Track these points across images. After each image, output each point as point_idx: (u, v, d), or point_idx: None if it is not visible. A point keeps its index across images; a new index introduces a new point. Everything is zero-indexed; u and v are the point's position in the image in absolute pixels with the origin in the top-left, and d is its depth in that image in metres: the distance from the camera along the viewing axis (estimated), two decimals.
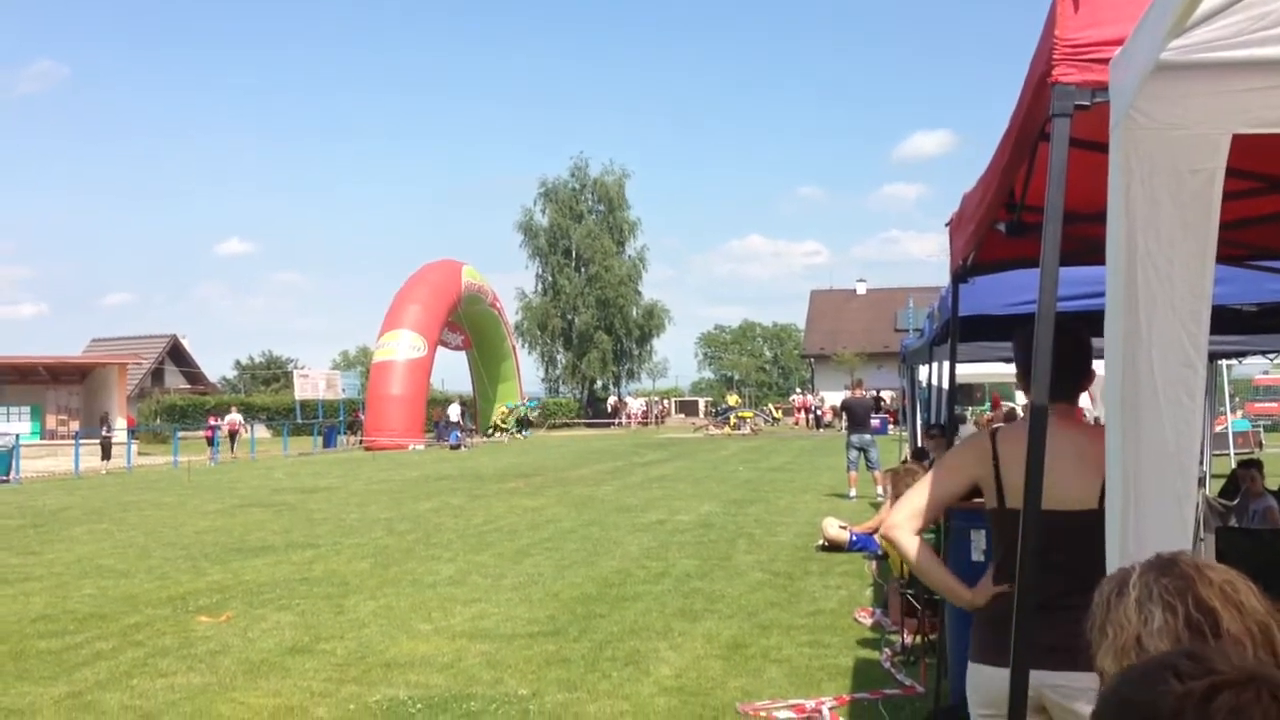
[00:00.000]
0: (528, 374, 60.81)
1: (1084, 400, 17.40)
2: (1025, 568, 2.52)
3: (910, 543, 3.08)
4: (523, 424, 49.97)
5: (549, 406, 64.45)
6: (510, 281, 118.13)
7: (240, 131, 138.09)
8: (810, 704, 6.40)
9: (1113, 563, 2.18)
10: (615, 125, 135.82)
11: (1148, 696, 1.20)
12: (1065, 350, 2.78)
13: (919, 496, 3.13)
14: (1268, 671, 1.22)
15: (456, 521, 16.17)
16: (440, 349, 46.99)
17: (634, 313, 70.49)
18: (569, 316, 69.70)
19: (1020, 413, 17.35)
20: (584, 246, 68.87)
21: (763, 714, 6.27)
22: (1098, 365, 3.01)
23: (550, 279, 69.93)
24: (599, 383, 70.49)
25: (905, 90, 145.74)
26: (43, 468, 30.77)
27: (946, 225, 4.87)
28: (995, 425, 3.38)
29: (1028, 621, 2.52)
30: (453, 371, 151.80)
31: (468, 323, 49.68)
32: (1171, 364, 2.15)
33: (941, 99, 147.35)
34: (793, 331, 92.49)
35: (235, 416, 42.97)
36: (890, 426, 38.85)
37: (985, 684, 3.11)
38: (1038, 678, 2.72)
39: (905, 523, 3.09)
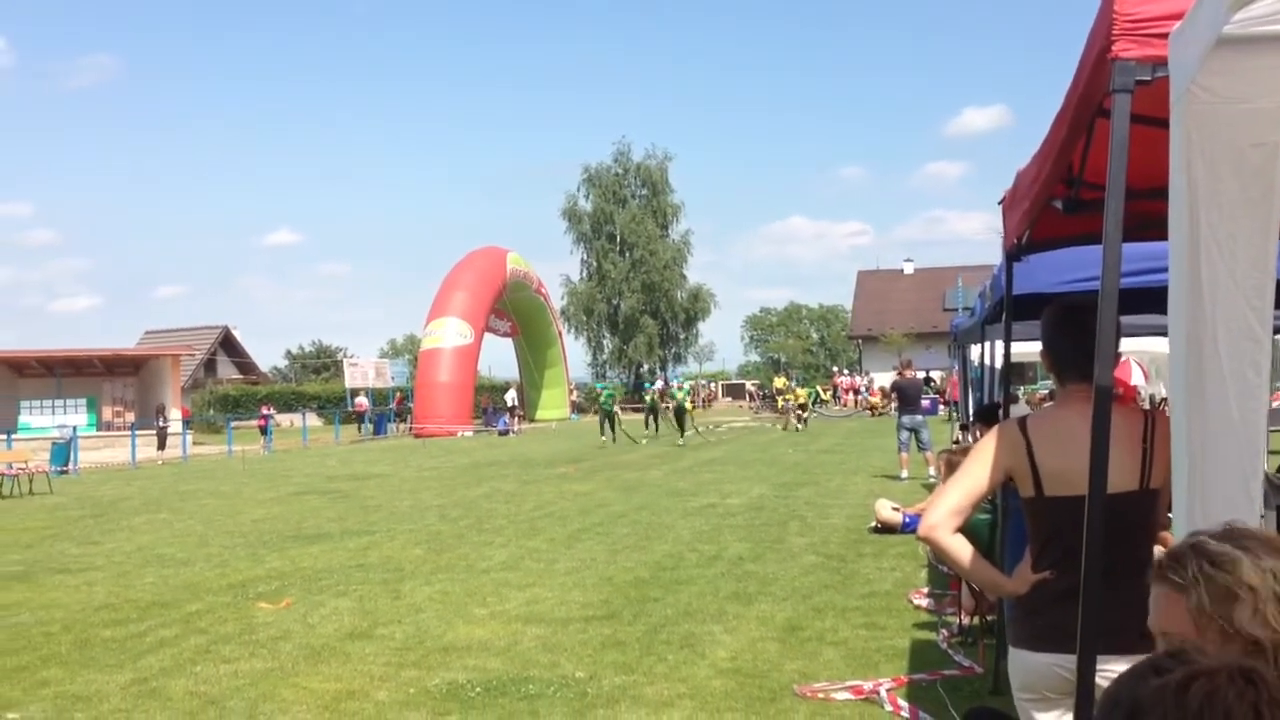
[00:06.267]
0: (574, 359, 61.02)
1: (1137, 377, 17.06)
2: (1092, 553, 2.50)
3: (951, 543, 3.01)
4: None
5: (591, 392, 64.43)
6: (555, 268, 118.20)
7: (288, 122, 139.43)
8: (868, 685, 6.38)
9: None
10: (653, 109, 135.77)
11: (1132, 693, 1.31)
12: (1093, 330, 2.67)
13: (954, 494, 3.06)
14: (1241, 661, 1.32)
15: (508, 507, 16.28)
16: (488, 336, 47.23)
17: (679, 296, 70.43)
18: (614, 301, 69.80)
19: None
20: (628, 231, 68.89)
21: (820, 695, 6.27)
22: (1160, 342, 2.97)
23: (595, 264, 70.02)
24: (645, 367, 70.51)
25: (959, 65, 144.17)
26: (100, 459, 31.28)
27: (999, 203, 4.82)
28: (1024, 414, 3.30)
29: (1093, 608, 2.50)
30: (500, 358, 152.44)
31: (514, 309, 49.89)
32: (1236, 338, 2.12)
33: (997, 73, 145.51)
34: (839, 313, 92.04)
35: (363, 399, 44.68)
36: (940, 407, 38.56)
37: (1024, 668, 3.11)
38: (1073, 661, 2.69)
39: (944, 522, 3.01)
